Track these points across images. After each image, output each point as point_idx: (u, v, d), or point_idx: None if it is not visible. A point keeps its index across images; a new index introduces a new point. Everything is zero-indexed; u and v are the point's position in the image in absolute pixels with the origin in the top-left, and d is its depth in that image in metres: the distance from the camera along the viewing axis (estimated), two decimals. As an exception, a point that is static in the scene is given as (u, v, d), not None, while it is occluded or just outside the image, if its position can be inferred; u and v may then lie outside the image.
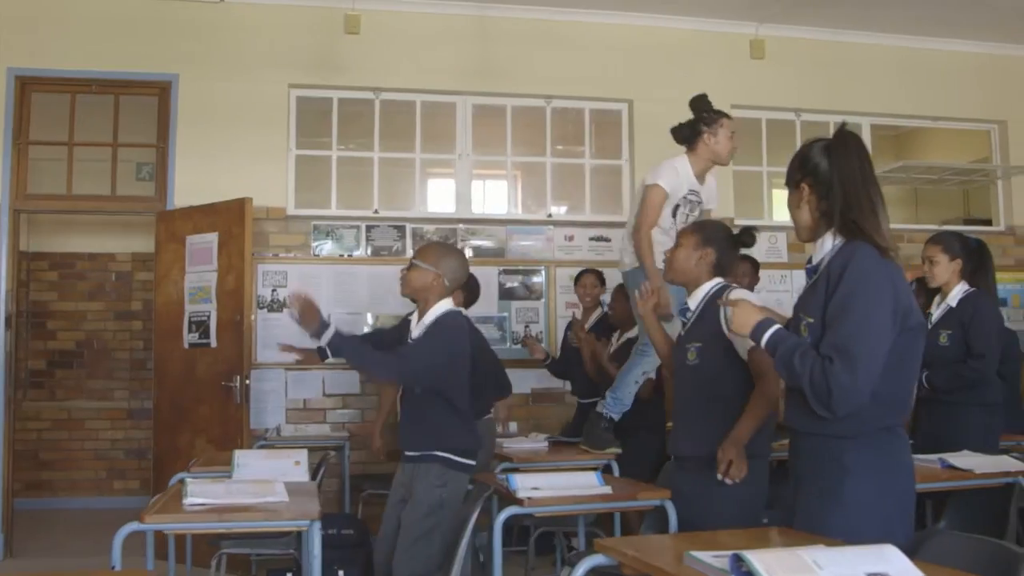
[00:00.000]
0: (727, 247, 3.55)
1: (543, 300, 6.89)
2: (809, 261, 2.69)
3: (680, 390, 3.57)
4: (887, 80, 7.58)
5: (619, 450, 4.81)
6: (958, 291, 4.58)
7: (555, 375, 6.41)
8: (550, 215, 7.13)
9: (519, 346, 6.75)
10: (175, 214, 6.42)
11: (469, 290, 5.31)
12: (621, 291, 5.51)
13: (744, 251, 5.98)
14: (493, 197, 7.72)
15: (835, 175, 2.58)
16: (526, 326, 6.73)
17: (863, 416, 2.47)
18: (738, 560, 2.00)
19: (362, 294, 6.64)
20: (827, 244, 2.61)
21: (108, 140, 6.69)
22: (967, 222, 8.18)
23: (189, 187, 6.44)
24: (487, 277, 6.73)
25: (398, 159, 7.05)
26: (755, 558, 1.98)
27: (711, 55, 7.25)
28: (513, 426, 6.21)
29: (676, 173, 4.69)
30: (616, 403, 4.83)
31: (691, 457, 3.44)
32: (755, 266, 5.86)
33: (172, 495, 3.47)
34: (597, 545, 2.52)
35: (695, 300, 3.50)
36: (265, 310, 6.50)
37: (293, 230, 6.66)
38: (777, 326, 2.59)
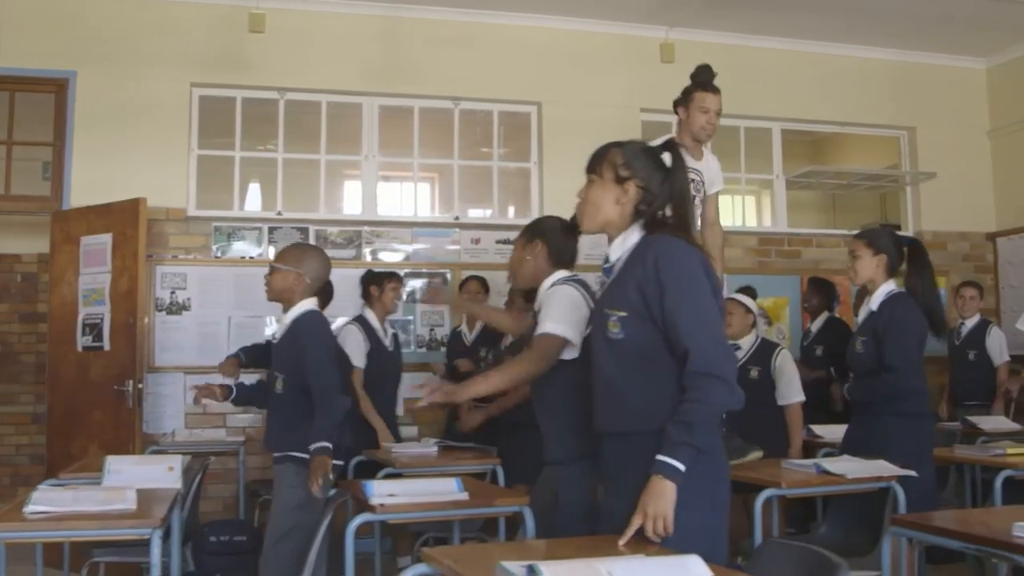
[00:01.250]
0: (559, 235, 3.33)
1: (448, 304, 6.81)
2: (606, 260, 2.67)
3: (535, 393, 3.32)
4: (797, 85, 7.63)
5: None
6: (882, 292, 4.27)
7: None
8: (457, 217, 7.07)
9: (423, 349, 6.69)
10: (70, 214, 6.27)
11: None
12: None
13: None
14: (401, 199, 7.64)
15: (673, 186, 2.65)
16: (431, 329, 6.65)
17: (670, 407, 2.42)
18: (532, 572, 1.97)
19: (263, 296, 6.49)
20: (630, 240, 2.62)
21: (4, 137, 6.52)
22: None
23: (87, 187, 6.28)
24: (392, 280, 6.66)
25: (303, 160, 6.95)
26: (547, 569, 1.95)
27: (621, 58, 7.24)
28: (414, 430, 6.14)
29: None
30: None
31: (554, 462, 3.36)
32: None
33: (18, 502, 3.37)
34: (423, 554, 2.48)
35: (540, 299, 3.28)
36: (164, 312, 6.37)
37: (194, 231, 6.53)
38: (665, 458, 2.37)
